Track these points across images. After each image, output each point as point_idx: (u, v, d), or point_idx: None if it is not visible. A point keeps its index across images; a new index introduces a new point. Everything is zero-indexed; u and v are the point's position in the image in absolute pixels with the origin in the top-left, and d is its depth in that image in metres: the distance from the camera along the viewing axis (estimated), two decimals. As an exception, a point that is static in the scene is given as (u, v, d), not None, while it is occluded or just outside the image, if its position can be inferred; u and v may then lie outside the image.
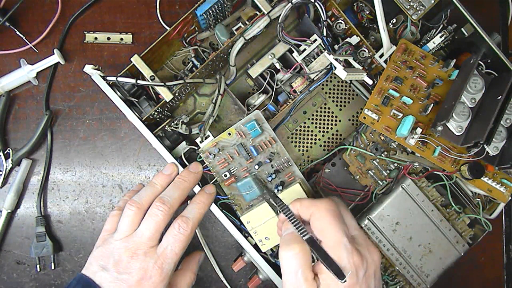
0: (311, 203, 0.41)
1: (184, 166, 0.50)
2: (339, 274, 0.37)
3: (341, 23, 0.52)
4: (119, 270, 0.43)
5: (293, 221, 0.40)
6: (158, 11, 0.59)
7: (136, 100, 0.52)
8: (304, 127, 0.59)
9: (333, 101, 0.59)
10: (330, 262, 0.38)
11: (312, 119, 0.59)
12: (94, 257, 0.45)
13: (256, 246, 0.51)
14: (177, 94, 0.51)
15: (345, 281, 0.37)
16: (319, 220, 0.40)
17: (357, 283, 0.38)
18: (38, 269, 0.58)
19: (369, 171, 0.55)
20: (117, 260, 0.44)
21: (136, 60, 0.50)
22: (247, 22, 0.52)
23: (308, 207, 0.41)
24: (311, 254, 0.39)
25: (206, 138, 0.51)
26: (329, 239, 0.39)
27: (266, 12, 0.50)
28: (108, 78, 0.49)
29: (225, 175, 0.50)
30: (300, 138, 0.59)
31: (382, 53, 0.52)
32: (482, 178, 0.51)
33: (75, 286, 0.43)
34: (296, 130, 0.58)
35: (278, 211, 0.45)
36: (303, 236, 0.39)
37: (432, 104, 0.49)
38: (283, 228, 0.42)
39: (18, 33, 0.58)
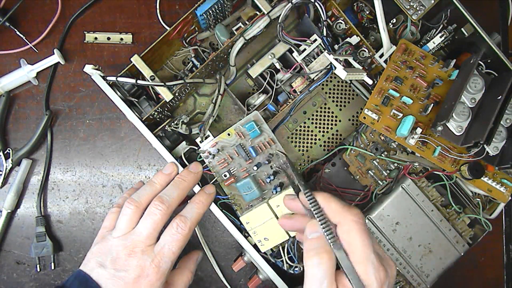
0: (339, 210, 0.40)
1: (184, 166, 0.50)
2: None
3: (341, 23, 0.52)
4: (116, 267, 0.43)
5: (325, 228, 0.39)
6: (158, 11, 0.59)
7: (136, 100, 0.52)
8: (304, 127, 0.59)
9: (333, 101, 0.59)
10: (354, 278, 0.37)
11: (312, 119, 0.59)
12: (92, 254, 0.45)
13: (256, 246, 0.51)
14: (177, 94, 0.51)
15: None
16: (348, 233, 0.39)
17: None
18: (38, 269, 0.58)
19: (369, 171, 0.55)
20: (114, 258, 0.44)
21: (136, 60, 0.50)
22: (247, 22, 0.52)
23: (336, 214, 0.40)
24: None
25: (206, 138, 0.51)
26: (357, 255, 0.38)
27: (266, 12, 0.50)
28: (108, 78, 0.49)
29: (225, 175, 0.50)
30: (300, 138, 0.59)
31: (382, 53, 0.52)
32: (482, 178, 0.51)
33: (72, 282, 0.44)
34: (296, 130, 0.58)
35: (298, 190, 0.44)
36: (332, 243, 0.39)
37: (432, 104, 0.49)
38: (308, 229, 0.41)
39: (18, 33, 0.58)
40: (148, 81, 0.49)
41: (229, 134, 0.50)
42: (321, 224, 0.40)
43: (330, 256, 0.38)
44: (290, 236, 0.50)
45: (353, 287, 0.37)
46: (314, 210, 0.40)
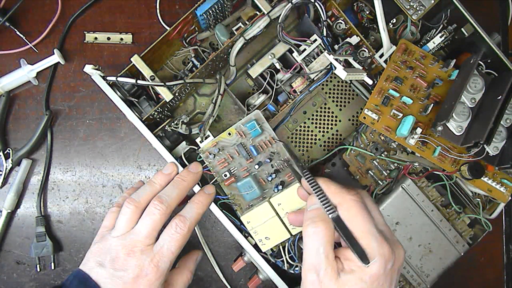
0: (338, 192, 0.40)
1: (184, 166, 0.50)
2: (363, 257, 0.37)
3: (341, 23, 0.52)
4: (115, 266, 0.43)
5: (320, 198, 0.40)
6: (158, 11, 0.59)
7: (136, 100, 0.52)
8: (304, 127, 0.59)
9: (333, 101, 0.59)
10: (355, 244, 0.37)
11: (312, 119, 0.59)
12: (91, 253, 0.45)
13: (256, 246, 0.51)
14: (177, 94, 0.51)
15: (368, 265, 0.36)
16: (348, 211, 0.39)
17: (383, 274, 0.37)
18: (38, 269, 0.58)
19: (369, 171, 0.55)
20: (113, 257, 0.44)
21: (136, 60, 0.50)
22: (247, 22, 0.52)
23: (335, 196, 0.40)
24: (335, 234, 0.39)
25: (206, 138, 0.51)
26: (357, 229, 0.38)
27: (266, 12, 0.50)
28: (108, 78, 0.49)
29: (225, 175, 0.50)
30: (300, 138, 0.59)
31: (382, 53, 0.52)
32: (482, 178, 0.51)
33: (71, 281, 0.44)
34: (296, 130, 0.58)
35: (302, 179, 0.45)
36: (330, 214, 0.39)
37: (432, 104, 0.49)
38: (308, 203, 0.42)
39: (18, 33, 0.58)
40: (148, 81, 0.49)
41: (229, 134, 0.50)
42: (318, 196, 0.40)
43: (326, 225, 0.38)
44: (291, 235, 0.50)
45: (354, 254, 0.37)
46: (312, 186, 0.41)
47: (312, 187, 0.41)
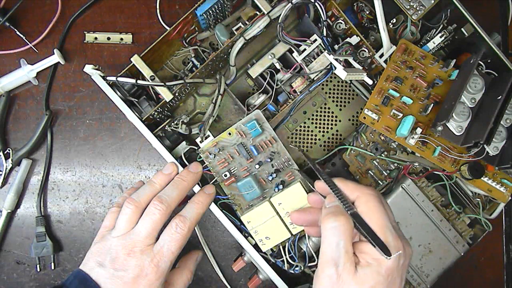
0: (356, 187, 0.41)
1: (184, 166, 0.50)
2: (385, 250, 0.37)
3: (341, 23, 0.52)
4: (115, 267, 0.43)
5: (338, 195, 0.40)
6: (158, 11, 0.59)
7: (136, 100, 0.52)
8: (304, 127, 0.59)
9: (333, 101, 0.59)
10: (375, 238, 0.37)
11: (312, 119, 0.59)
12: (91, 253, 0.45)
13: (256, 246, 0.51)
14: (177, 94, 0.51)
15: (390, 258, 0.36)
16: (365, 204, 0.40)
17: (396, 269, 0.38)
18: (38, 269, 0.58)
19: (369, 171, 0.55)
20: (114, 257, 0.44)
21: (136, 60, 0.50)
22: (247, 22, 0.52)
23: (353, 190, 0.41)
24: (354, 230, 0.39)
25: (206, 138, 0.51)
26: (375, 222, 0.39)
27: (266, 12, 0.50)
28: (108, 78, 0.49)
29: (225, 175, 0.50)
30: (300, 138, 0.59)
31: (382, 53, 0.52)
32: (482, 178, 0.51)
33: (71, 281, 0.44)
34: (296, 130, 0.58)
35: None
36: (348, 210, 0.39)
37: (432, 104, 0.49)
38: (327, 201, 0.42)
39: (18, 33, 0.58)
40: (148, 81, 0.49)
41: (230, 134, 0.50)
42: (334, 192, 0.41)
43: (347, 219, 0.38)
44: (292, 235, 0.50)
45: (375, 248, 0.37)
46: (329, 185, 0.42)
47: (330, 187, 0.42)
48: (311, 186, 0.47)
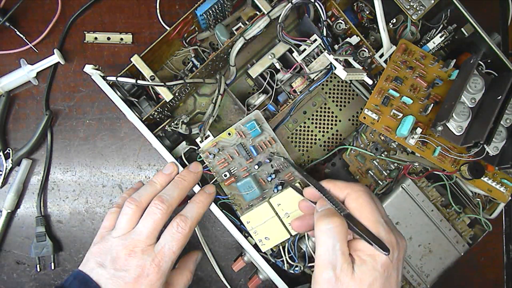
0: (345, 184, 0.42)
1: (184, 166, 0.50)
2: (384, 247, 0.37)
3: (341, 23, 0.52)
4: (116, 267, 0.43)
5: (330, 199, 0.41)
6: (158, 11, 0.59)
7: (136, 100, 0.52)
8: (304, 127, 0.59)
9: (333, 101, 0.59)
10: (371, 236, 0.38)
11: (312, 119, 0.59)
12: (91, 254, 0.45)
13: (256, 246, 0.51)
14: (177, 94, 0.51)
15: (389, 254, 0.36)
16: (356, 200, 0.40)
17: (391, 264, 0.38)
18: (38, 269, 0.58)
19: (369, 171, 0.55)
20: (114, 257, 0.44)
21: (136, 60, 0.50)
22: (247, 22, 0.52)
23: (342, 188, 0.42)
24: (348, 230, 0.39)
25: (206, 138, 0.51)
26: (366, 218, 0.39)
27: (266, 12, 0.50)
28: (108, 78, 0.49)
29: (225, 175, 0.50)
30: (300, 138, 0.59)
31: (382, 53, 0.52)
32: (482, 178, 0.51)
33: (71, 282, 0.43)
34: (296, 130, 0.58)
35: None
36: (341, 212, 0.39)
37: (432, 104, 0.49)
38: (318, 205, 0.42)
39: (18, 33, 0.58)
40: (148, 81, 0.49)
41: (229, 134, 0.50)
42: (325, 195, 0.41)
43: (341, 221, 0.39)
44: (291, 235, 0.50)
45: (373, 246, 0.37)
46: (321, 192, 0.42)
47: (320, 191, 0.42)
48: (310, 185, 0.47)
